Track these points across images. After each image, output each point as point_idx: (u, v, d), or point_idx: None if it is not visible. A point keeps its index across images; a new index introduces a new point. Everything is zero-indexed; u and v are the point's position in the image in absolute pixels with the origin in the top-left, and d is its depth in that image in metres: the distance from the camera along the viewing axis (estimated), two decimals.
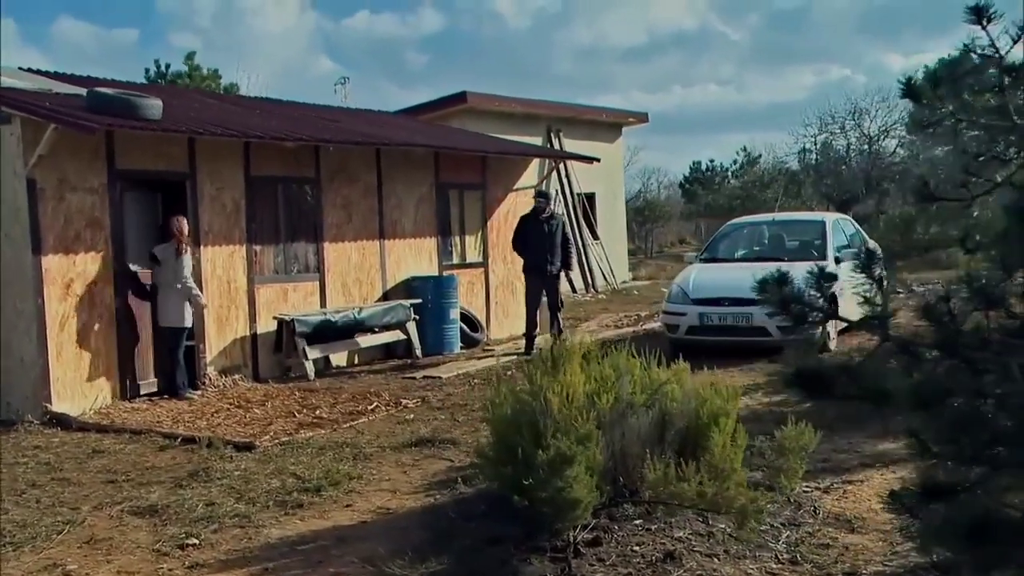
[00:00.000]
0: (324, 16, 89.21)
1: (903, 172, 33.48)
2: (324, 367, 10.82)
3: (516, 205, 13.72)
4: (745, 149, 37.30)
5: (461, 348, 11.95)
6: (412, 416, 8.10)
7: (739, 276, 10.57)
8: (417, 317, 11.42)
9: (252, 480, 6.14)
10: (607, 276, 21.85)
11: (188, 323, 9.29)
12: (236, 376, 10.02)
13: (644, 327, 13.65)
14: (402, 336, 11.39)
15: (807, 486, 5.53)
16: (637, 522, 4.79)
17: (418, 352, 11.34)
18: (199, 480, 6.22)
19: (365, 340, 11.08)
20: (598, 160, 15.47)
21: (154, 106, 9.04)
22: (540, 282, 11.42)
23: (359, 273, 11.44)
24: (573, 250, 11.84)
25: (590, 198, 22.03)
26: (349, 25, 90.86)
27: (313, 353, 10.41)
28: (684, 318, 10.24)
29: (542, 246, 11.35)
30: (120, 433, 7.79)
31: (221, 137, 9.36)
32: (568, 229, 11.81)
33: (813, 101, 77.89)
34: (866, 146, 38.33)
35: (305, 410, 8.57)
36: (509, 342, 12.73)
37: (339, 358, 11.17)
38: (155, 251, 9.19)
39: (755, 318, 9.84)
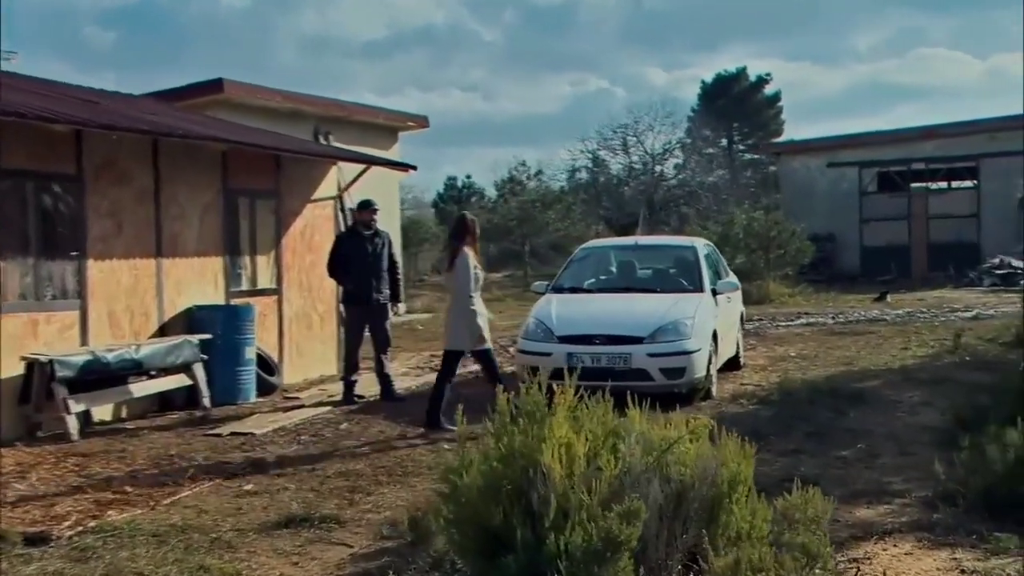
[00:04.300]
0: None
1: (690, 195, 35.65)
2: (85, 423, 9.57)
3: (314, 219, 13.02)
4: (525, 164, 38.21)
5: (256, 396, 11.07)
6: (251, 486, 7.25)
7: (611, 310, 10.54)
8: (205, 357, 10.43)
9: None
10: None
11: (460, 346, 8.91)
12: None
13: (469, 369, 13.26)
14: (185, 381, 10.35)
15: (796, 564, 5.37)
16: None
17: (206, 401, 10.35)
18: None
19: (141, 387, 9.97)
20: (414, 168, 15.04)
21: None
22: (364, 315, 10.77)
23: (131, 300, 10.30)
24: (401, 275, 11.29)
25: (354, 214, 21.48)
26: None
27: (77, 405, 9.18)
28: (548, 359, 9.95)
29: (367, 270, 10.72)
30: None
31: None
32: (395, 249, 11.25)
33: (568, 114, 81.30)
34: (644, 166, 40.47)
35: (94, 482, 7.47)
36: (310, 387, 11.97)
37: (103, 411, 9.96)
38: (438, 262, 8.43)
39: (635, 359, 9.77)
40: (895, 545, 5.65)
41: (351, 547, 5.79)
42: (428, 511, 5.57)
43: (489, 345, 9.00)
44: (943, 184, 32.70)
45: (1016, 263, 26.67)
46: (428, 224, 39.30)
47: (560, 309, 10.58)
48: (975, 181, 31.04)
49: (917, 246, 30.57)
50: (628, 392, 5.22)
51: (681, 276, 11.35)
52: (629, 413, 4.99)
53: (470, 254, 8.82)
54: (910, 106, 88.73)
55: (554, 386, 4.84)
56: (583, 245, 13.12)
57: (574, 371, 8.83)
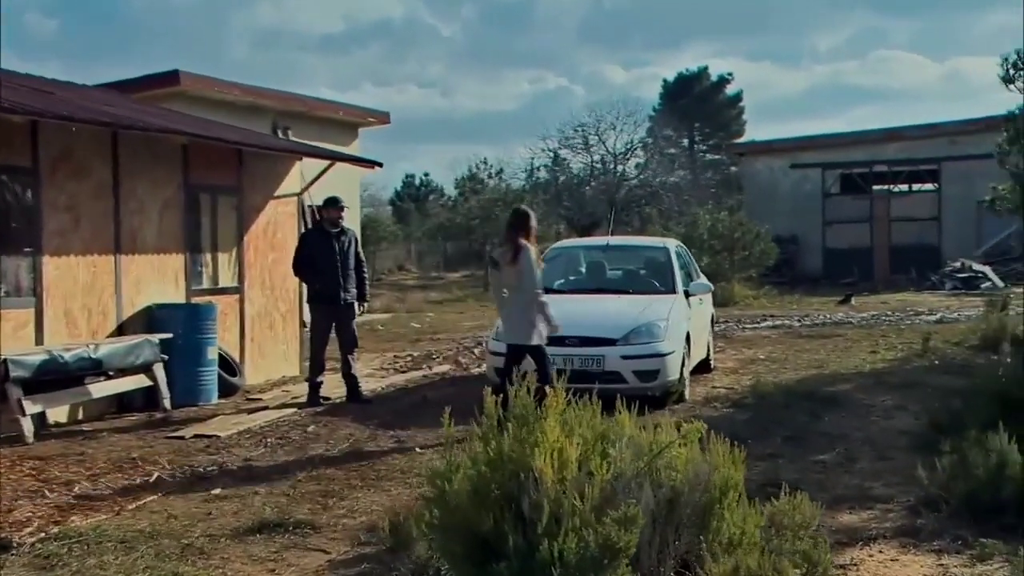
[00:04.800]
0: None
1: (652, 195, 35.80)
2: (40, 425, 9.38)
3: (277, 216, 12.89)
4: (486, 162, 38.20)
5: (218, 397, 10.94)
6: (219, 490, 7.14)
7: (583, 311, 10.50)
8: (165, 357, 10.28)
9: None
10: None
11: (521, 340, 8.74)
12: None
13: (435, 370, 13.24)
14: (145, 382, 10.19)
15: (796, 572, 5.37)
16: None
17: (167, 402, 10.20)
18: None
19: (100, 388, 9.80)
20: (380, 164, 14.95)
21: None
22: (331, 315, 10.66)
23: (88, 298, 10.11)
24: (367, 273, 11.19)
25: (320, 211, 21.33)
26: None
27: (33, 406, 8.99)
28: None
29: (334, 268, 10.60)
30: None
31: None
32: (360, 247, 11.15)
33: (526, 112, 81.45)
34: (604, 165, 40.55)
35: (54, 486, 7.32)
36: (273, 389, 11.84)
37: (58, 412, 9.77)
38: (494, 254, 8.86)
39: (608, 361, 9.75)
40: (881, 551, 5.67)
41: (328, 553, 5.71)
42: (409, 516, 5.52)
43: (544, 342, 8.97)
44: (904, 187, 33.12)
45: (977, 267, 27.09)
46: (386, 222, 39.04)
47: None
48: (936, 184, 31.47)
49: (879, 249, 30.93)
50: (618, 395, 5.17)
51: (653, 277, 11.36)
52: (618, 417, 4.97)
53: (532, 248, 8.80)
54: (868, 108, 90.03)
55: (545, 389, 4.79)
56: (554, 245, 13.09)
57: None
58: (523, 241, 8.75)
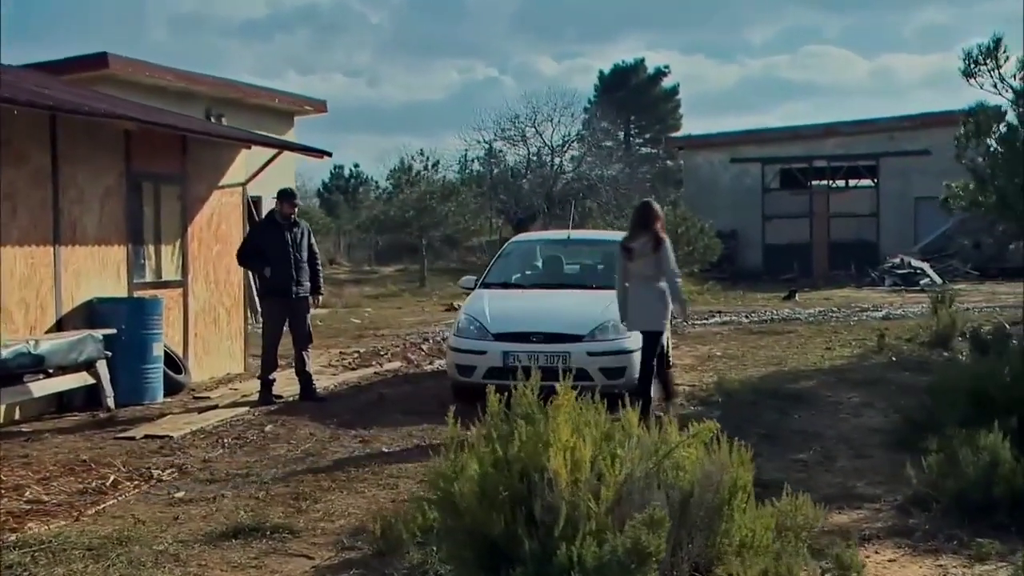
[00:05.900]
0: None
1: (589, 188, 35.89)
2: None
3: (222, 207, 12.62)
4: (422, 152, 37.88)
5: (163, 396, 10.67)
6: (183, 494, 6.94)
7: (548, 306, 10.45)
8: (109, 354, 9.99)
9: None
10: None
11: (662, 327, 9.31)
12: None
13: (386, 367, 13.08)
14: (87, 380, 9.89)
15: None
16: None
17: (110, 401, 9.93)
18: None
19: (41, 386, 9.47)
20: (329, 154, 14.74)
21: None
22: (285, 309, 10.46)
23: (26, 291, 9.76)
24: (321, 266, 11.01)
25: (255, 203, 20.99)
26: None
27: None
28: (482, 358, 9.84)
29: (287, 261, 10.40)
30: None
31: None
32: (314, 239, 10.96)
33: (455, 102, 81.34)
34: (540, 158, 40.57)
35: (2, 492, 7.04)
36: (219, 387, 11.59)
37: None
38: (633, 245, 9.28)
39: (574, 358, 9.67)
40: (876, 552, 5.69)
41: (312, 559, 5.56)
42: (398, 519, 5.42)
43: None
44: (843, 182, 33.64)
45: (916, 263, 27.60)
46: (316, 214, 38.51)
47: (493, 305, 10.43)
48: (874, 180, 32.00)
49: (819, 244, 31.36)
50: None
51: (613, 272, 11.29)
52: (624, 416, 4.91)
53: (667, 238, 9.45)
54: (799, 103, 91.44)
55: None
56: (513, 239, 12.99)
57: (511, 370, 8.66)
58: (662, 233, 9.33)
